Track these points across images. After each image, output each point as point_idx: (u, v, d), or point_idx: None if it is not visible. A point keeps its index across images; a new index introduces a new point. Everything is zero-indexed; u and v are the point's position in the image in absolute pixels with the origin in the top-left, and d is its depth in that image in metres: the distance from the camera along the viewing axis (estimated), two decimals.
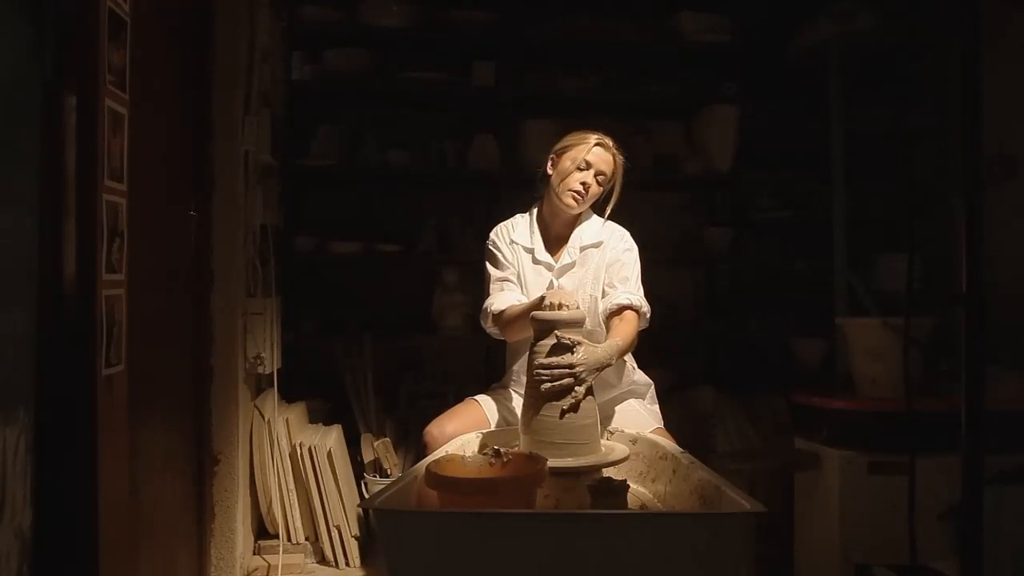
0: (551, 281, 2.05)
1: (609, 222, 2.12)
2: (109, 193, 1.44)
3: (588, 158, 2.00)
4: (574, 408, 1.66)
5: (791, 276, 3.34)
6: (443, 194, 3.41)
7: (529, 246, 2.10)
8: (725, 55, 3.29)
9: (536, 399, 1.69)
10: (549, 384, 1.65)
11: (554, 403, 1.66)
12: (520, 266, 2.10)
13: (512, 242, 2.12)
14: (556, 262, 2.08)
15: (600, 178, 2.01)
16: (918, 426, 1.70)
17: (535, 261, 2.09)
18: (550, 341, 1.71)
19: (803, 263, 3.32)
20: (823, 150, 2.92)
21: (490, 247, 2.15)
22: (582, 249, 2.07)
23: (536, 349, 1.73)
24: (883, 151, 2.94)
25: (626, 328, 1.93)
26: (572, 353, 1.67)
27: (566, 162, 2.02)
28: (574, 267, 2.07)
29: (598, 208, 2.13)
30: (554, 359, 1.67)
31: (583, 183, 1.99)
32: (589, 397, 1.71)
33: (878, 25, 2.77)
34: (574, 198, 2.00)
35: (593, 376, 1.70)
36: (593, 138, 2.02)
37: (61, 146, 1.34)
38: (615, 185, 2.07)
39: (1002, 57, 2.39)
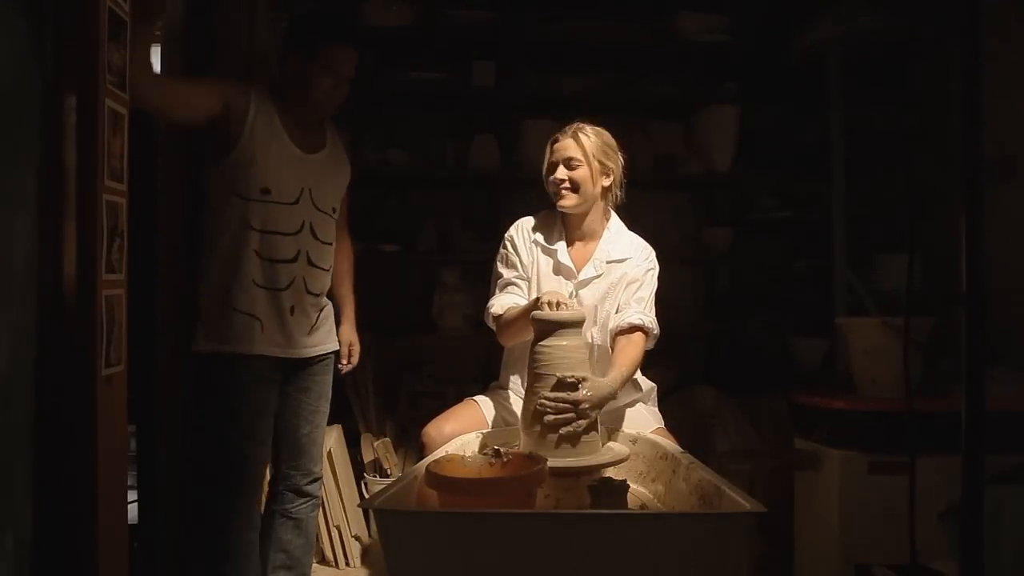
0: (571, 293, 2.01)
1: (637, 238, 2.10)
2: (109, 193, 1.44)
3: (554, 158, 2.01)
4: (571, 441, 1.65)
5: (791, 276, 3.34)
6: (443, 194, 3.41)
7: (551, 247, 2.06)
8: (725, 55, 3.29)
9: (535, 423, 1.68)
10: (553, 417, 1.65)
11: (552, 432, 1.65)
12: (536, 269, 2.06)
13: (534, 241, 2.08)
14: (579, 272, 2.03)
15: (574, 163, 1.98)
16: (918, 426, 1.70)
17: (556, 264, 2.05)
18: (553, 343, 1.70)
19: (803, 263, 3.32)
20: (823, 150, 2.92)
21: (506, 242, 2.11)
22: (608, 263, 2.03)
23: (537, 350, 1.73)
24: (883, 151, 2.94)
25: (632, 352, 1.90)
26: (577, 390, 1.66)
27: (544, 169, 2.05)
28: (597, 281, 2.02)
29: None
30: (560, 394, 1.66)
31: (557, 181, 2.00)
32: (594, 436, 1.71)
33: (878, 25, 2.77)
34: (559, 197, 2.00)
35: (596, 412, 1.69)
36: (553, 138, 2.04)
37: (61, 146, 1.34)
38: (607, 163, 2.01)
39: (1003, 57, 2.39)
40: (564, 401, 1.65)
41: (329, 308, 2.12)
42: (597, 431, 1.72)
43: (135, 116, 1.62)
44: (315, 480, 2.09)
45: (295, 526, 2.04)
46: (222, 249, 1.89)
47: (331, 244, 2.07)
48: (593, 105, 3.25)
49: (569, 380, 1.66)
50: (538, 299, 1.80)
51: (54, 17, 1.34)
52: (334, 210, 2.06)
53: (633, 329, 1.94)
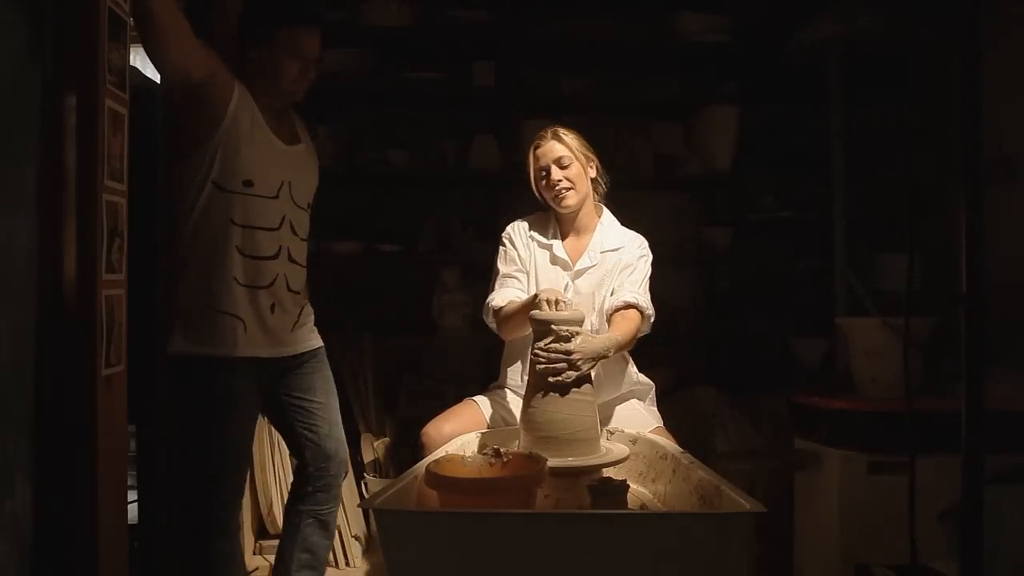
0: (567, 283, 2.06)
1: (629, 230, 2.15)
2: (109, 193, 1.44)
3: (542, 163, 2.07)
4: (561, 390, 1.67)
5: (791, 276, 3.34)
6: (443, 194, 3.40)
7: (547, 242, 2.11)
8: (725, 55, 3.28)
9: (533, 388, 1.70)
10: (545, 366, 1.68)
11: (544, 387, 1.69)
12: (534, 263, 2.11)
13: (530, 237, 2.13)
14: (575, 263, 2.08)
15: (564, 161, 2.04)
16: (918, 426, 1.70)
17: (553, 258, 2.10)
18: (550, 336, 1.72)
19: (803, 263, 3.32)
20: (823, 150, 2.92)
21: (504, 240, 2.16)
22: (602, 253, 2.08)
23: (536, 348, 1.74)
24: (883, 151, 2.94)
25: (626, 326, 1.94)
26: (571, 342, 1.70)
27: (532, 177, 2.10)
28: (592, 270, 2.08)
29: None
30: (553, 345, 1.70)
31: (555, 183, 2.04)
32: (589, 395, 1.72)
33: (878, 25, 2.77)
34: (559, 199, 2.05)
35: (589, 365, 1.72)
36: (534, 144, 2.11)
37: (61, 146, 1.34)
38: (589, 155, 2.10)
39: (1003, 57, 2.39)
40: (557, 352, 1.68)
41: (310, 307, 2.04)
42: (591, 384, 1.74)
43: (135, 116, 1.62)
44: (342, 479, 2.05)
45: (322, 527, 2.01)
46: (202, 245, 1.78)
47: (307, 241, 1.98)
48: (593, 105, 3.27)
49: (563, 333, 1.70)
50: (536, 296, 1.82)
51: (54, 17, 1.34)
52: (309, 205, 1.97)
53: (627, 307, 1.99)
